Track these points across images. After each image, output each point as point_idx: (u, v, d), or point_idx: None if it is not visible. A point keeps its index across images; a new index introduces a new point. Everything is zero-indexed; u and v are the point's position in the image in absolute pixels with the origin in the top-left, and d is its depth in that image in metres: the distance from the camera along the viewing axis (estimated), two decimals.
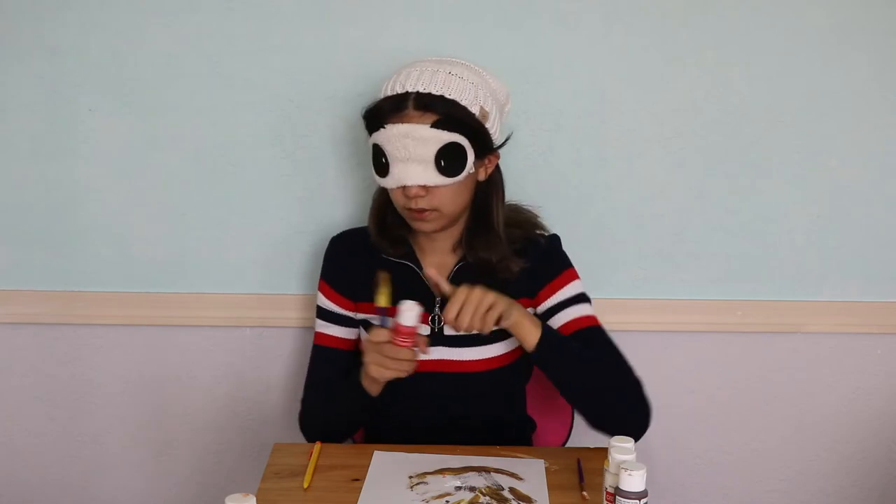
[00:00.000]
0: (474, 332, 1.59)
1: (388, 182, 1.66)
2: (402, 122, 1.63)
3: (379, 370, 1.59)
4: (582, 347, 1.70)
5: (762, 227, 2.05)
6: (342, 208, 2.03)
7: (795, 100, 2.00)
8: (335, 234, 1.87)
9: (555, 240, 1.82)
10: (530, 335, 1.64)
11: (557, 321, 1.76)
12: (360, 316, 1.82)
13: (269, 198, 2.03)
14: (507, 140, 1.75)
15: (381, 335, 1.59)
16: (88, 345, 2.09)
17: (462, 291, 1.58)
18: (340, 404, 1.75)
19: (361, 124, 1.97)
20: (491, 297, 1.58)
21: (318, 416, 1.78)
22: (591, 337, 1.74)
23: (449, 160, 1.63)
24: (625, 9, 1.95)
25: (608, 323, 2.03)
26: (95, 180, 2.02)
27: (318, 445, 1.67)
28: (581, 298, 1.78)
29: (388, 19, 1.95)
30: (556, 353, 1.65)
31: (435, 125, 1.62)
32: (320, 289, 1.84)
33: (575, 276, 1.79)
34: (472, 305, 1.57)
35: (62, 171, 2.01)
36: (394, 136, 1.63)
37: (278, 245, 2.05)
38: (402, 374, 1.60)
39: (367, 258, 1.78)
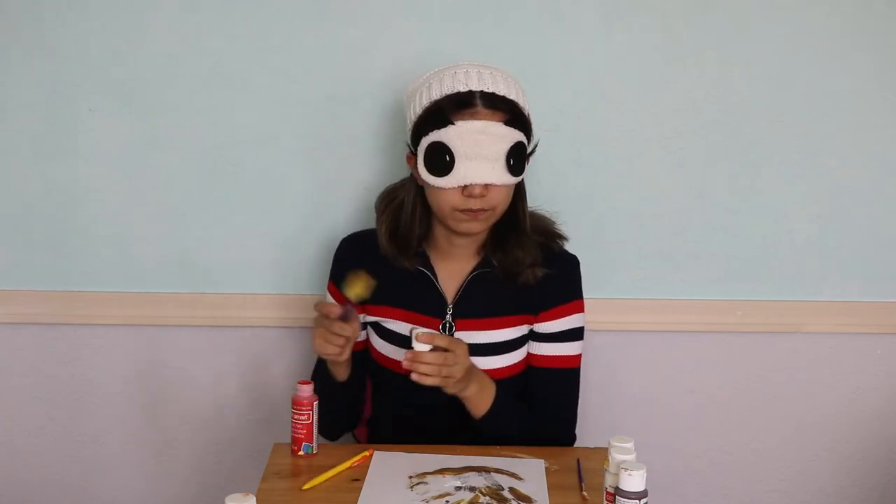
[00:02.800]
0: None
1: (450, 181, 1.62)
2: (475, 119, 1.61)
3: (322, 345, 1.63)
4: (524, 415, 1.74)
5: (762, 227, 2.05)
6: (343, 209, 2.03)
7: (795, 100, 2.00)
8: (346, 236, 1.86)
9: (576, 263, 1.82)
10: (477, 409, 1.69)
11: (541, 349, 1.79)
12: (370, 319, 1.81)
13: (269, 198, 2.03)
14: (535, 147, 1.75)
15: (333, 310, 1.61)
16: (88, 345, 2.09)
17: (452, 356, 1.59)
18: (324, 399, 1.74)
19: (364, 124, 1.99)
20: (458, 374, 1.60)
21: (322, 413, 1.77)
22: (560, 379, 1.79)
23: (516, 159, 1.64)
24: (625, 8, 1.95)
25: (608, 323, 2.05)
26: (95, 180, 2.02)
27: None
28: (575, 334, 1.80)
29: (388, 19, 1.95)
30: (494, 425, 1.70)
31: (507, 123, 1.62)
32: (329, 290, 1.84)
33: (581, 309, 1.80)
34: (439, 368, 1.58)
35: (62, 171, 2.01)
36: (466, 133, 1.60)
37: (277, 245, 2.05)
38: (337, 357, 1.63)
39: (376, 261, 1.75)
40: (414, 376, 1.59)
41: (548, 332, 1.78)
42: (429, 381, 1.59)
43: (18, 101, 1.98)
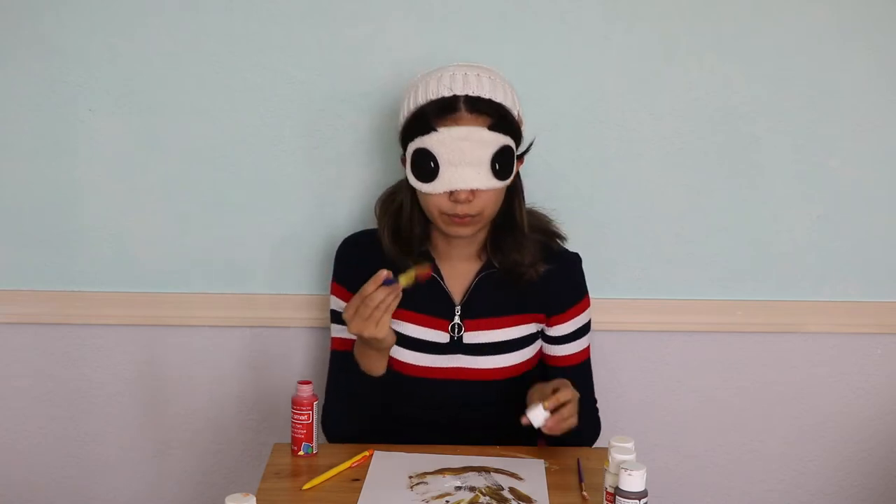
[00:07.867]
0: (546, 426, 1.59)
1: (436, 187, 1.62)
2: (458, 125, 1.61)
3: (360, 324, 1.57)
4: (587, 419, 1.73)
5: (762, 227, 2.06)
6: (343, 209, 2.03)
7: (795, 100, 2.00)
8: (346, 237, 1.85)
9: (578, 261, 1.83)
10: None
11: (557, 350, 1.80)
12: None
13: (270, 198, 2.03)
14: (530, 146, 1.74)
15: (376, 281, 1.56)
16: (88, 345, 2.09)
17: (572, 406, 1.59)
18: (356, 400, 1.73)
19: (364, 124, 1.99)
20: (575, 420, 1.61)
21: (341, 419, 1.76)
22: (577, 374, 1.79)
23: (503, 163, 1.63)
24: (625, 8, 1.95)
25: (608, 323, 2.05)
26: (95, 180, 2.02)
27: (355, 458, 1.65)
28: (586, 330, 1.82)
29: (388, 19, 1.95)
30: (569, 436, 1.66)
31: (491, 128, 1.62)
32: (333, 292, 1.82)
33: (588, 304, 1.82)
34: (566, 415, 1.58)
35: (62, 171, 2.01)
36: (449, 140, 1.60)
37: (277, 245, 2.05)
38: (377, 333, 1.57)
39: (379, 262, 1.72)
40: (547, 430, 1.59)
41: (562, 334, 1.80)
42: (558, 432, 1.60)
43: (18, 100, 1.98)
